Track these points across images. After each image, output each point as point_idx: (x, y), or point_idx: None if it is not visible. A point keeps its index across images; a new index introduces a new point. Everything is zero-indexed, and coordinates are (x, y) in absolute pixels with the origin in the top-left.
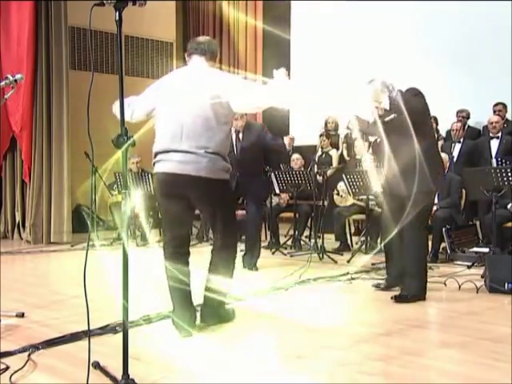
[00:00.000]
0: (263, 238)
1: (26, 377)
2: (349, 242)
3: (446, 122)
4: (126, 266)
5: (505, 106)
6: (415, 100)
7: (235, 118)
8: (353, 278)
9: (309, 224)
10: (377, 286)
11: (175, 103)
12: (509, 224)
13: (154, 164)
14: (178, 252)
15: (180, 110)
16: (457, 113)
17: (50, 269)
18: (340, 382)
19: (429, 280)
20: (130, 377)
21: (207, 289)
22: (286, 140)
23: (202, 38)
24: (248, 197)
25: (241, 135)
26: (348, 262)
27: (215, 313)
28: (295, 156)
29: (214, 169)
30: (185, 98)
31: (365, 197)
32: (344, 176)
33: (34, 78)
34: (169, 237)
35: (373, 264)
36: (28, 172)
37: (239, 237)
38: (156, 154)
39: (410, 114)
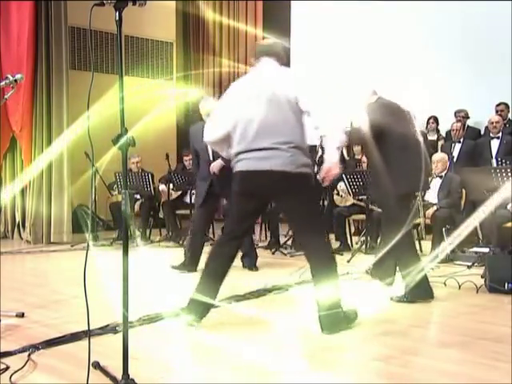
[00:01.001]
0: (263, 238)
1: (25, 377)
2: (349, 241)
3: (446, 122)
4: (126, 266)
5: (507, 106)
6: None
7: (207, 114)
8: (353, 278)
9: None
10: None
11: (254, 103)
12: (509, 224)
13: (234, 165)
14: (231, 244)
15: (259, 110)
16: (455, 113)
17: (49, 269)
18: (340, 381)
19: (429, 280)
20: (130, 377)
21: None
22: None
23: (270, 41)
24: (224, 196)
25: None
26: (348, 261)
27: (335, 319)
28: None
29: (297, 163)
30: (263, 97)
31: (365, 197)
32: (344, 176)
33: (33, 78)
34: (230, 229)
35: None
36: (28, 172)
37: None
38: (237, 154)
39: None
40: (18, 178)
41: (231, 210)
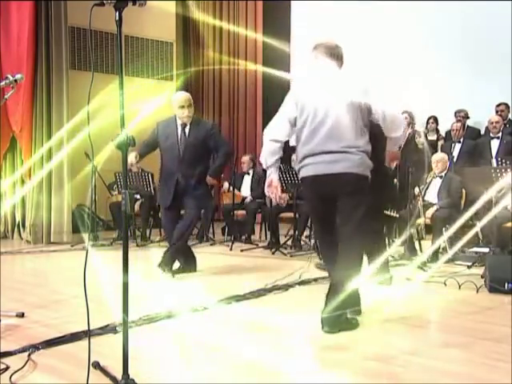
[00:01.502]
0: (263, 237)
1: (25, 377)
2: None
3: (446, 122)
4: (126, 266)
5: (507, 106)
6: None
7: (181, 105)
8: None
9: (309, 224)
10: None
11: (323, 106)
12: (509, 224)
13: (300, 168)
14: (325, 239)
15: (329, 113)
16: (455, 113)
17: (49, 269)
18: (340, 382)
19: (429, 280)
20: (130, 377)
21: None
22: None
23: (332, 43)
24: (187, 202)
25: (187, 129)
26: None
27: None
28: (294, 156)
29: (364, 166)
30: (333, 100)
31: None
32: None
33: (33, 78)
34: (317, 227)
35: None
36: (28, 172)
37: (239, 237)
38: (303, 158)
39: None
40: (18, 176)
41: (311, 213)
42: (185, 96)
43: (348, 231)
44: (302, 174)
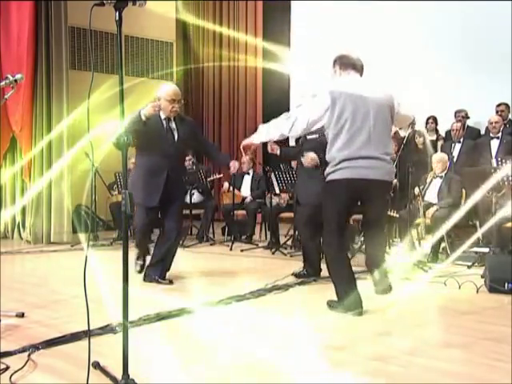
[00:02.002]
0: (263, 237)
1: (25, 377)
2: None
3: (445, 122)
4: (126, 266)
5: (507, 106)
6: None
7: (173, 98)
8: None
9: None
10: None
11: (360, 113)
12: (509, 224)
13: (333, 171)
14: (339, 240)
15: (366, 119)
16: (455, 113)
17: (49, 269)
18: (339, 381)
19: (429, 280)
20: (130, 377)
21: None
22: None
23: (355, 56)
24: (174, 199)
25: (173, 124)
26: None
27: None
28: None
29: (393, 174)
30: (371, 108)
31: None
32: None
33: (33, 78)
34: (333, 227)
35: None
36: (28, 172)
37: (239, 237)
38: (341, 161)
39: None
40: (17, 177)
41: (332, 213)
42: (177, 89)
43: (380, 230)
44: (336, 176)
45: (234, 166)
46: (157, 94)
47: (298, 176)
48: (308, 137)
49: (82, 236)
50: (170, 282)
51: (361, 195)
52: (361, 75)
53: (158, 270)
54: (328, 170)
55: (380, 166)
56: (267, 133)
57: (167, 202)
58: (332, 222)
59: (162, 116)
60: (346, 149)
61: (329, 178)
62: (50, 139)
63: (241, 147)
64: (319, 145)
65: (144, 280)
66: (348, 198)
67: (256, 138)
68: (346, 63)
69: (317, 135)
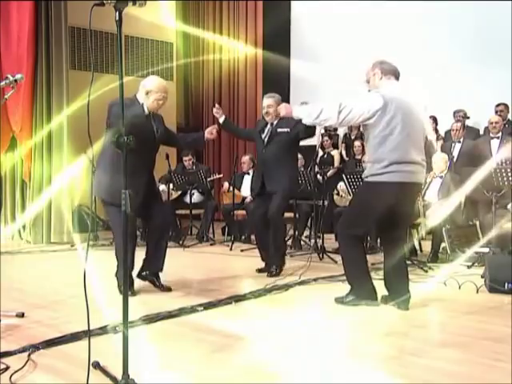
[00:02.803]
0: None
1: (25, 377)
2: None
3: (445, 123)
4: (126, 266)
5: (507, 106)
6: None
7: (164, 93)
8: None
9: (309, 224)
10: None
11: (408, 118)
12: (509, 224)
13: (383, 172)
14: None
15: (412, 125)
16: (454, 113)
17: (50, 269)
18: (339, 381)
19: (429, 280)
20: (130, 377)
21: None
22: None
23: (391, 63)
24: (154, 197)
25: (152, 121)
26: None
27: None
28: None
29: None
30: (415, 115)
31: None
32: (344, 176)
33: (33, 78)
34: (368, 226)
35: (372, 264)
36: (28, 172)
37: (239, 237)
38: (390, 164)
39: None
40: (17, 177)
41: (372, 215)
42: (165, 83)
43: (402, 242)
44: (385, 178)
45: (212, 132)
46: (145, 87)
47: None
48: (279, 130)
49: (82, 236)
50: (169, 289)
51: (408, 198)
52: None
53: (153, 269)
54: (374, 170)
55: (420, 171)
56: (315, 115)
57: (149, 201)
58: (369, 221)
59: (146, 110)
60: (395, 151)
61: (375, 179)
62: (49, 139)
63: (280, 106)
64: (288, 138)
65: (138, 276)
66: (396, 200)
67: (299, 111)
68: (388, 69)
69: (288, 129)
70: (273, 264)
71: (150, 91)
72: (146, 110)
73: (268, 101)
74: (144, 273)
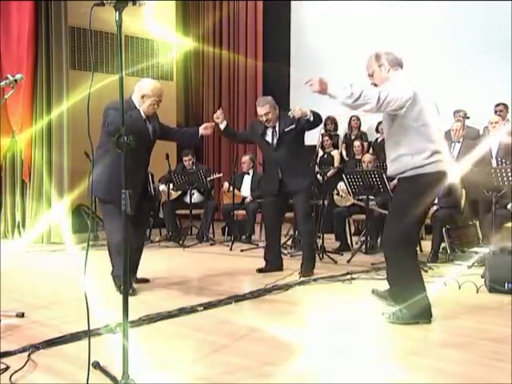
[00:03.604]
0: (263, 237)
1: (25, 377)
2: (349, 241)
3: (445, 122)
4: (126, 266)
5: (506, 106)
6: None
7: (160, 96)
8: (353, 278)
9: None
10: None
11: (432, 109)
12: (509, 224)
13: (430, 162)
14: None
15: (435, 116)
16: (454, 113)
17: (50, 269)
18: (339, 381)
19: (429, 280)
20: (130, 377)
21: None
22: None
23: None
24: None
25: (149, 123)
26: (348, 261)
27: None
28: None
29: None
30: (431, 104)
31: (365, 197)
32: (344, 176)
33: (34, 78)
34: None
35: (373, 264)
36: (28, 172)
37: (239, 237)
38: (433, 153)
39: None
40: (17, 177)
41: (419, 204)
42: (160, 85)
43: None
44: (430, 169)
45: (207, 127)
46: (141, 90)
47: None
48: (286, 129)
49: (82, 236)
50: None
51: (438, 189)
52: None
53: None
54: (416, 163)
55: (446, 160)
56: (356, 95)
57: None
58: (422, 218)
59: (142, 113)
60: (433, 142)
61: (418, 171)
62: (50, 140)
63: (313, 81)
64: (295, 134)
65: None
66: (435, 192)
67: (336, 91)
68: (394, 60)
69: (293, 125)
70: (309, 267)
71: (146, 95)
72: (143, 115)
73: (264, 108)
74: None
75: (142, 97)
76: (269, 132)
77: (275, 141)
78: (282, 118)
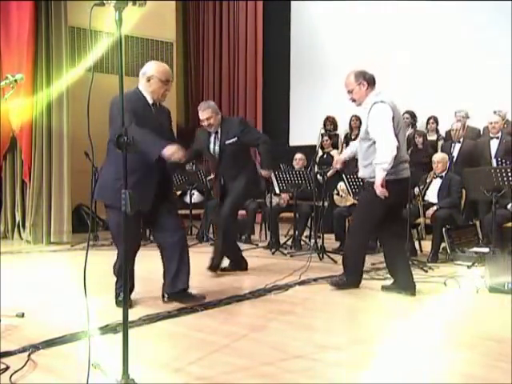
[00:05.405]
0: (263, 237)
1: (25, 377)
2: None
3: (445, 123)
4: (126, 266)
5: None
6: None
7: (168, 79)
8: None
9: (309, 224)
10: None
11: (401, 120)
12: (509, 224)
13: (401, 170)
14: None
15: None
16: (455, 113)
17: (50, 269)
18: (339, 381)
19: (429, 280)
20: (130, 377)
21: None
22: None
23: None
24: (167, 203)
25: (155, 111)
26: None
27: None
28: (298, 156)
29: None
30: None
31: None
32: (344, 176)
33: (34, 78)
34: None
35: (372, 264)
36: (28, 172)
37: (239, 237)
38: (403, 161)
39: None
40: (17, 177)
41: (375, 214)
42: (169, 68)
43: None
44: (404, 174)
45: (171, 151)
46: (146, 74)
47: None
48: (227, 142)
49: (82, 236)
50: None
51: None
52: None
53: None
54: (392, 169)
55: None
56: (387, 165)
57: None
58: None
59: (150, 101)
60: (403, 150)
61: (395, 176)
62: (50, 140)
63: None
64: (238, 147)
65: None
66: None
67: (381, 175)
68: (369, 79)
69: (235, 138)
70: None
71: (152, 76)
72: (150, 100)
73: (206, 113)
74: (169, 294)
75: (148, 80)
76: (212, 139)
77: (217, 154)
78: (224, 124)
